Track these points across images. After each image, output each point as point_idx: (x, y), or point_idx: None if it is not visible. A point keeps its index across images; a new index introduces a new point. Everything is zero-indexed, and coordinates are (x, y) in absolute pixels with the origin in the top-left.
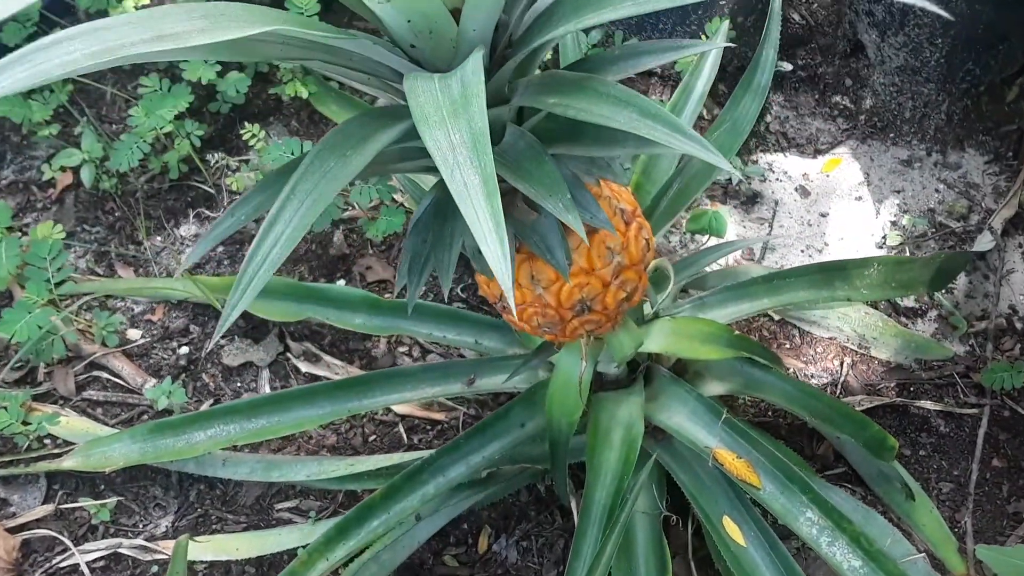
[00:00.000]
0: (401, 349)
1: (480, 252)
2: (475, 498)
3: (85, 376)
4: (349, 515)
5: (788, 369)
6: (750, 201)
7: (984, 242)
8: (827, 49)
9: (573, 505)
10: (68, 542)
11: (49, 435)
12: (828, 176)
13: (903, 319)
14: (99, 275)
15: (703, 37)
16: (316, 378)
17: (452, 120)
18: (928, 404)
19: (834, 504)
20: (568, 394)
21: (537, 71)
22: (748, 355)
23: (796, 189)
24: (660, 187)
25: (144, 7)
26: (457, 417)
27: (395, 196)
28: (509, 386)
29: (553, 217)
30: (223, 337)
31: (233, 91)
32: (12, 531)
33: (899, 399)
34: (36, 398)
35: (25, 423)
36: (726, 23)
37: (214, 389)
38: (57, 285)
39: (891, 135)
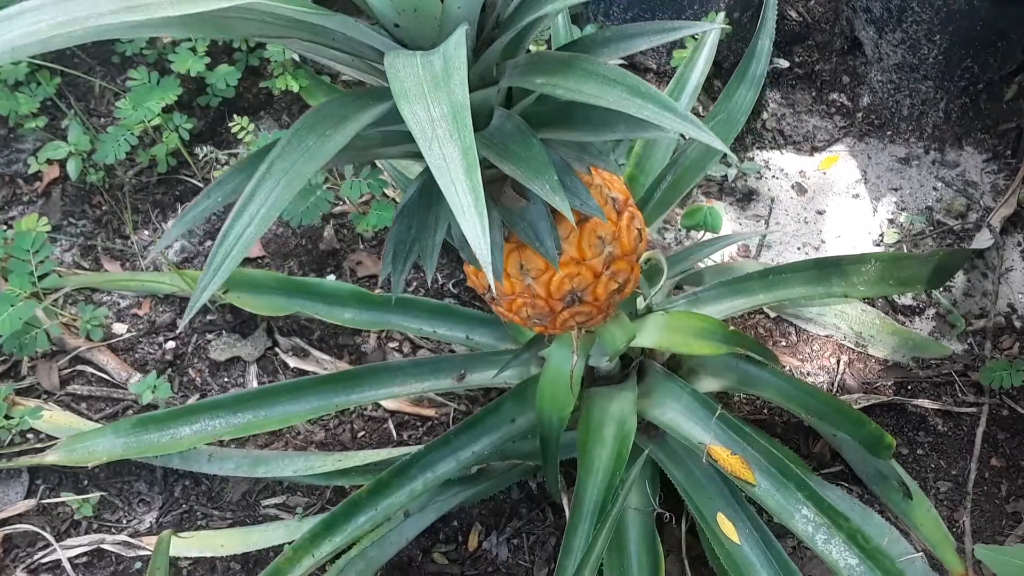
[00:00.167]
0: (391, 345)
1: (466, 238)
2: (465, 495)
3: (69, 370)
4: (335, 511)
5: (784, 367)
6: (746, 198)
7: (983, 240)
8: (824, 46)
9: (565, 502)
10: (50, 537)
11: (32, 429)
12: (825, 174)
13: (901, 317)
14: (85, 269)
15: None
16: (305, 373)
17: (432, 93)
18: (926, 403)
19: (830, 502)
20: (559, 388)
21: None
22: (743, 352)
23: (792, 186)
24: (654, 179)
25: None
26: (447, 413)
27: (386, 191)
28: (500, 381)
29: (542, 204)
30: (210, 332)
31: (223, 84)
32: None
33: (897, 398)
34: (19, 392)
35: (7, 417)
36: (722, 15)
37: (200, 384)
38: (40, 278)
39: (889, 133)
